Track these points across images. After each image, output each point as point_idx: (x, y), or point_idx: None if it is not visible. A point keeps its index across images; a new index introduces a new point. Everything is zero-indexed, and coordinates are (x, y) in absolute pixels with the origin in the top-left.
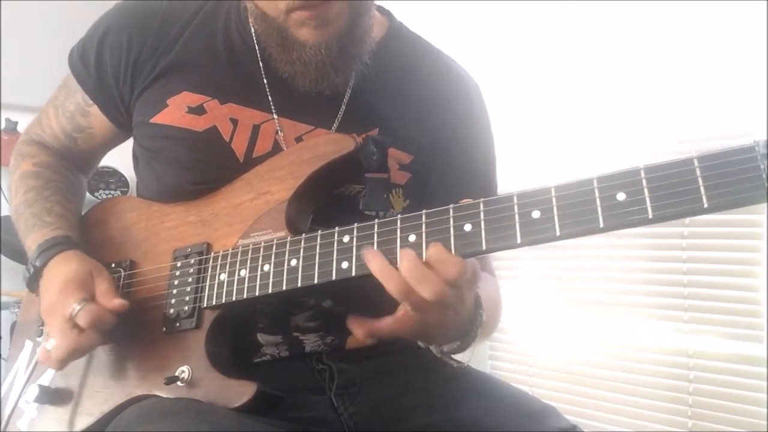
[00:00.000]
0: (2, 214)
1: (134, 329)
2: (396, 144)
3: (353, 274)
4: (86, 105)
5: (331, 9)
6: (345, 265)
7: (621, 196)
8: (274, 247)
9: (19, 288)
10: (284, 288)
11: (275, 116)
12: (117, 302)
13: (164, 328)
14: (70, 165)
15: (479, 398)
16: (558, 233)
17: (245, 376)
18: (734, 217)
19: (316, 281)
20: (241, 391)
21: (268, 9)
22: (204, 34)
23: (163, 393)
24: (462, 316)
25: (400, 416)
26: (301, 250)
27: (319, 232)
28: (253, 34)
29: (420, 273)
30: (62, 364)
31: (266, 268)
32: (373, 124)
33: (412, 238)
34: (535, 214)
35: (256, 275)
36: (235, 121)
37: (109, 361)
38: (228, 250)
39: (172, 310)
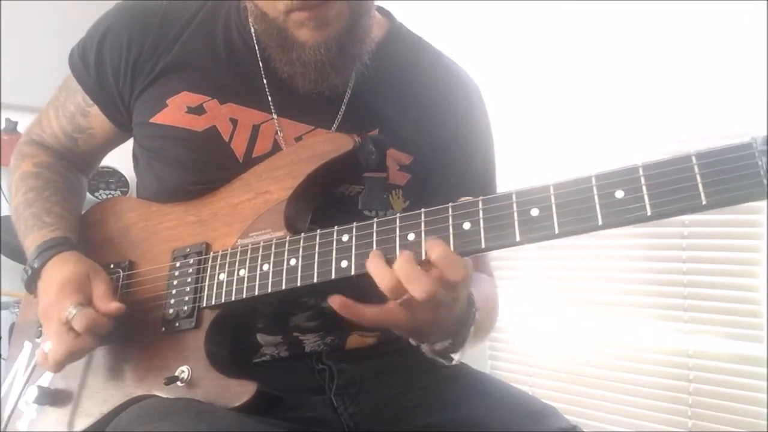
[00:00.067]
0: (2, 214)
1: (133, 330)
2: (396, 145)
3: (352, 273)
4: (86, 105)
5: (330, 9)
6: (344, 264)
7: (619, 194)
8: (273, 246)
9: (19, 288)
10: (283, 287)
11: (275, 116)
12: (113, 306)
13: (163, 329)
14: (70, 165)
15: (479, 398)
16: (557, 231)
17: (245, 376)
18: (734, 217)
19: (315, 280)
20: (240, 391)
21: (267, 9)
22: (204, 34)
23: (163, 393)
24: (455, 314)
25: (400, 416)
26: (300, 250)
27: (318, 231)
28: (253, 34)
29: (411, 272)
30: (59, 366)
31: (265, 267)
32: (373, 124)
33: (411, 236)
34: (534, 212)
35: (256, 275)
36: (234, 121)
37: (108, 362)
38: (227, 250)
39: (171, 310)
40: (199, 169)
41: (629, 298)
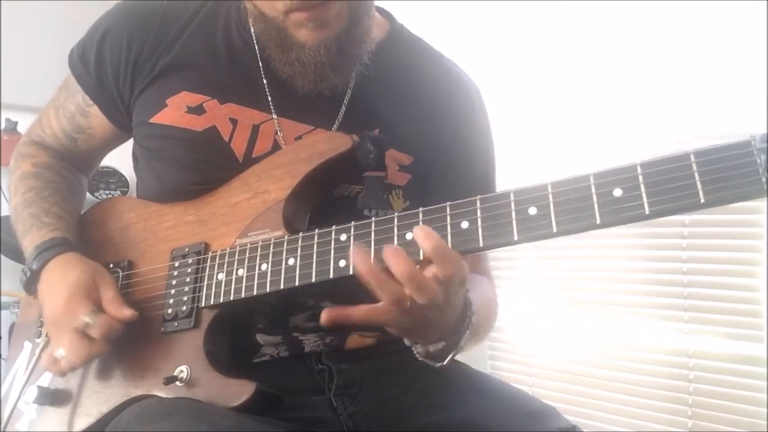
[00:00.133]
0: (2, 214)
1: (133, 330)
2: (396, 145)
3: (351, 272)
4: (86, 105)
5: (330, 10)
6: (342, 263)
7: (618, 192)
8: (272, 246)
9: (19, 288)
10: (282, 287)
11: (275, 116)
12: (127, 312)
13: (162, 328)
14: (70, 166)
15: (479, 398)
16: (555, 230)
17: (244, 375)
18: (734, 217)
19: (313, 280)
20: (239, 391)
21: (266, 9)
22: (204, 34)
23: (162, 393)
24: (449, 316)
25: (400, 416)
26: (299, 249)
27: (316, 230)
28: (253, 34)
29: (420, 281)
30: (72, 371)
31: (264, 267)
32: (374, 125)
33: (408, 236)
34: (532, 210)
35: (254, 274)
36: (234, 121)
37: (108, 362)
38: (226, 250)
39: (170, 310)
40: (199, 169)
41: (629, 298)
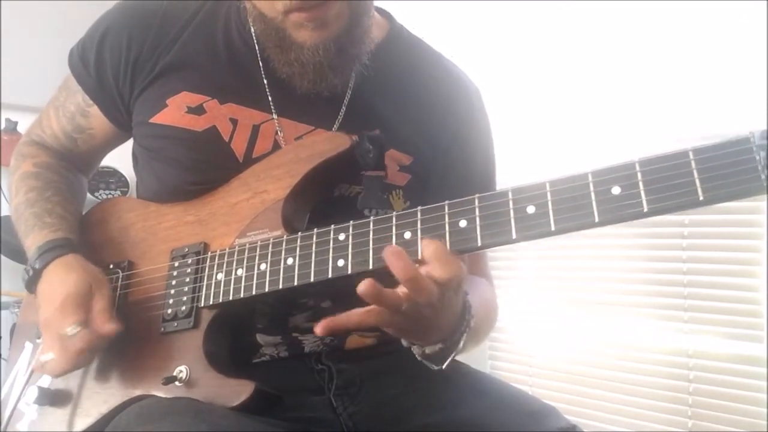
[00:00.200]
0: (2, 214)
1: (133, 330)
2: (396, 145)
3: (349, 271)
4: (86, 105)
5: (329, 10)
6: (341, 263)
7: (616, 190)
8: (271, 246)
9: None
10: (281, 287)
11: (275, 116)
12: (108, 328)
13: (162, 328)
14: (70, 166)
15: (479, 398)
16: (553, 228)
17: (244, 375)
18: (734, 216)
19: (312, 279)
20: (239, 390)
21: (265, 9)
22: (204, 34)
23: (162, 393)
24: (446, 318)
25: (400, 416)
26: (298, 249)
27: (315, 230)
28: (253, 35)
29: (420, 282)
30: (57, 377)
31: (263, 267)
32: (374, 125)
33: (407, 235)
34: (530, 209)
35: (253, 274)
36: (234, 121)
37: (107, 362)
38: (225, 250)
39: (169, 310)
40: (199, 169)
41: (629, 298)
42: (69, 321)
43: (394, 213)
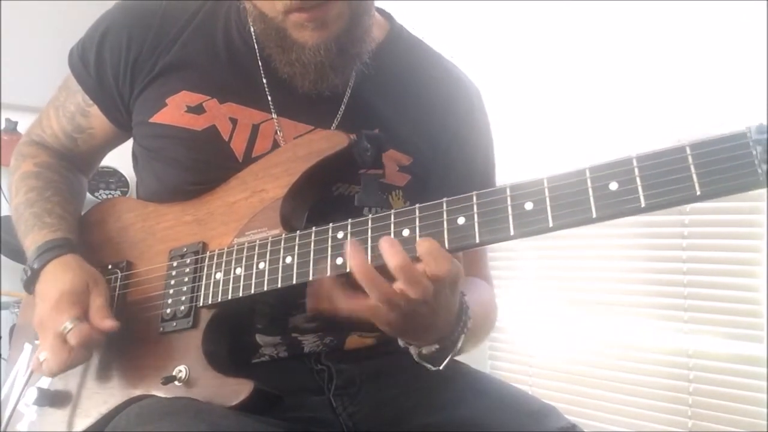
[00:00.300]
0: (2, 214)
1: (132, 330)
2: (395, 146)
3: (348, 269)
4: (86, 105)
5: (330, 10)
6: (340, 261)
7: (613, 186)
8: (269, 244)
9: (19, 288)
10: (279, 285)
11: (274, 116)
12: (107, 324)
13: (161, 328)
14: (70, 166)
15: (479, 398)
16: (551, 224)
17: (243, 375)
18: (734, 216)
19: (311, 278)
20: (238, 390)
21: (266, 10)
22: (204, 34)
23: (161, 393)
24: (441, 317)
25: (399, 416)
26: (296, 247)
27: (314, 228)
28: (253, 34)
29: (413, 274)
30: (54, 375)
31: (261, 266)
32: (373, 124)
33: (405, 232)
34: (528, 205)
35: (252, 273)
36: (234, 121)
37: (107, 362)
38: (223, 249)
39: (168, 310)
40: (199, 169)
41: (629, 298)
42: (64, 317)
43: (393, 211)
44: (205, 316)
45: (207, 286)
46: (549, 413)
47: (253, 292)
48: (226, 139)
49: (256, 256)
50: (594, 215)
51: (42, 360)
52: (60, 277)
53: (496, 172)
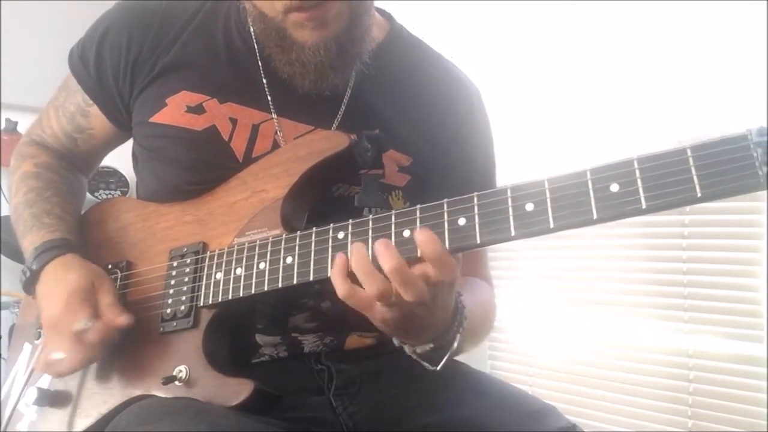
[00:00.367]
0: (2, 214)
1: (132, 330)
2: (395, 146)
3: (349, 270)
4: (86, 105)
5: (329, 10)
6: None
7: (614, 187)
8: (270, 245)
9: (20, 288)
10: (280, 285)
11: (274, 116)
12: (123, 319)
13: (161, 328)
14: (70, 166)
15: (479, 398)
16: (552, 225)
17: (243, 375)
18: (734, 216)
19: (311, 278)
20: (238, 390)
21: (266, 9)
22: (204, 34)
23: (161, 393)
24: (437, 318)
25: (399, 416)
26: (297, 248)
27: (314, 229)
28: (253, 34)
29: (406, 277)
30: (69, 374)
31: (262, 266)
32: (373, 125)
33: (406, 233)
34: (529, 206)
35: (252, 273)
36: (234, 121)
37: (107, 362)
38: (224, 249)
39: (169, 310)
40: (199, 169)
41: (629, 298)
42: (78, 316)
43: (393, 211)
44: (206, 316)
45: (207, 286)
46: (549, 413)
47: (253, 292)
48: (226, 139)
49: (256, 257)
50: (595, 216)
51: (57, 360)
52: (63, 276)
53: (497, 172)
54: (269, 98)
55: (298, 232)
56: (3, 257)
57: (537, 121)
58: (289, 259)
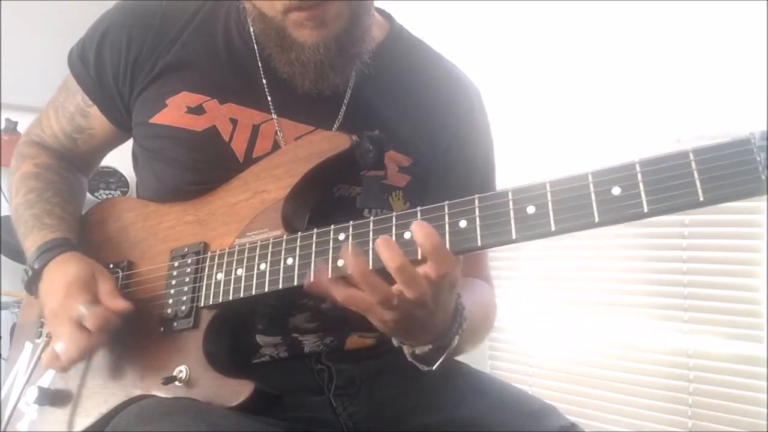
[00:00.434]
0: (2, 214)
1: (132, 330)
2: (395, 146)
3: (349, 271)
4: (86, 105)
5: (329, 9)
6: (341, 263)
7: (616, 191)
8: (270, 245)
9: (19, 288)
10: (280, 287)
11: (275, 116)
12: (121, 304)
13: (162, 328)
14: (70, 166)
15: (479, 398)
16: (553, 228)
17: (244, 376)
18: (734, 217)
19: (312, 279)
20: (238, 390)
21: (265, 9)
22: (204, 34)
23: (162, 393)
24: (437, 318)
25: (400, 416)
26: (297, 249)
27: (315, 230)
28: (253, 35)
29: (410, 274)
30: (71, 365)
31: (263, 267)
32: (373, 125)
33: (407, 235)
34: (530, 209)
35: (253, 274)
36: (234, 121)
37: (107, 362)
38: (225, 250)
39: (169, 310)
40: (199, 169)
41: (629, 298)
42: (78, 302)
43: (394, 213)
44: (206, 317)
45: (208, 286)
46: (549, 413)
47: (254, 293)
48: (227, 140)
49: (257, 257)
50: (596, 220)
51: (59, 350)
52: (64, 270)
53: (497, 173)
54: (269, 99)
55: (299, 233)
56: (3, 257)
57: (537, 120)
58: (289, 260)
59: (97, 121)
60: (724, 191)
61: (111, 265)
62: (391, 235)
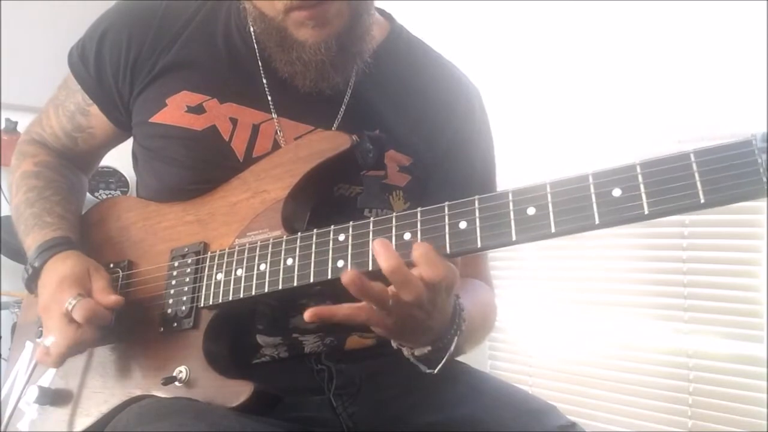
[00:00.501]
0: (2, 214)
1: (132, 329)
2: (395, 146)
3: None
4: (86, 104)
5: (329, 9)
6: (341, 263)
7: (617, 192)
8: (270, 246)
9: (19, 288)
10: (280, 287)
11: (275, 116)
12: (113, 298)
13: (162, 328)
14: (70, 165)
15: (479, 397)
16: (553, 230)
17: (244, 376)
18: (734, 217)
19: (311, 280)
20: (238, 391)
21: (266, 9)
22: (204, 34)
23: (161, 393)
24: (435, 320)
25: (399, 416)
26: (297, 249)
27: (315, 231)
28: (253, 35)
29: (405, 275)
30: (61, 360)
31: (262, 267)
32: (373, 125)
33: (407, 236)
34: (531, 210)
35: (253, 274)
36: (234, 121)
37: (107, 362)
38: (225, 250)
39: (169, 310)
40: (199, 169)
41: (629, 298)
42: (67, 295)
43: (394, 214)
44: (206, 317)
45: (208, 286)
46: (549, 412)
47: (254, 293)
48: (227, 139)
49: (257, 258)
50: (597, 222)
51: (49, 345)
52: (60, 266)
53: (497, 173)
54: (269, 98)
55: (299, 234)
56: (3, 257)
57: (538, 121)
58: (289, 261)
59: (97, 120)
60: (725, 193)
61: (111, 265)
62: (391, 236)
